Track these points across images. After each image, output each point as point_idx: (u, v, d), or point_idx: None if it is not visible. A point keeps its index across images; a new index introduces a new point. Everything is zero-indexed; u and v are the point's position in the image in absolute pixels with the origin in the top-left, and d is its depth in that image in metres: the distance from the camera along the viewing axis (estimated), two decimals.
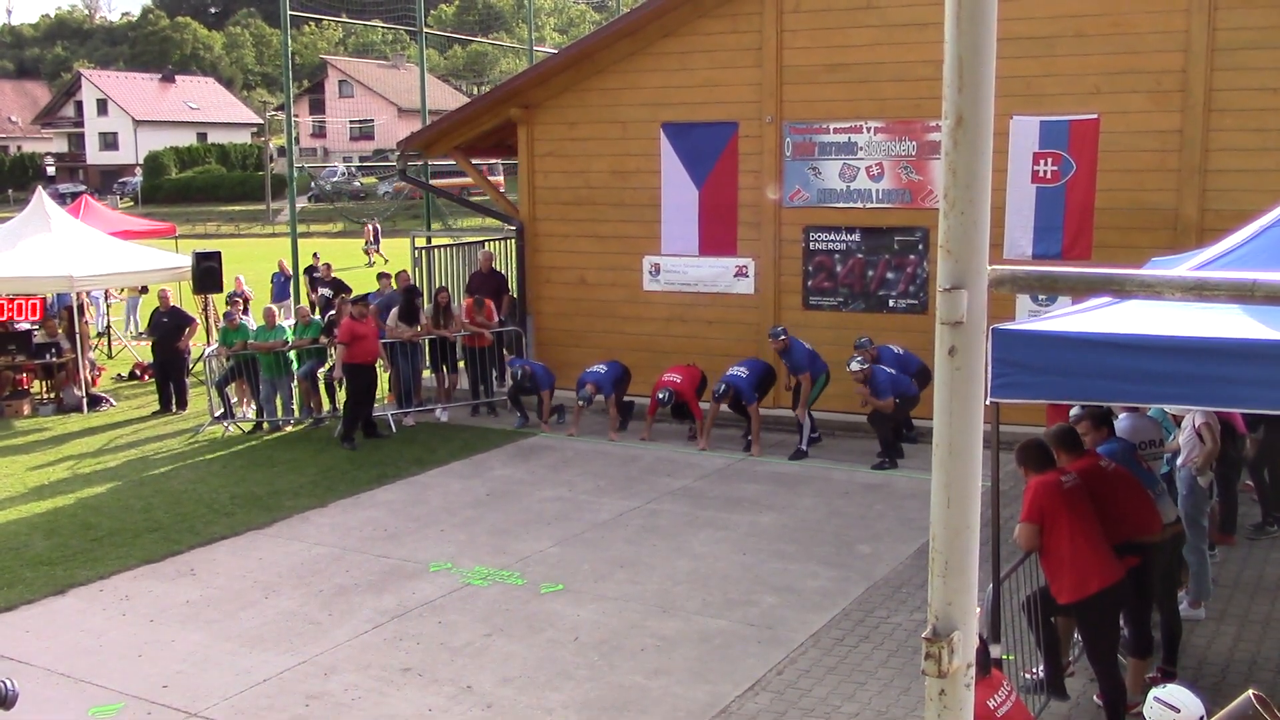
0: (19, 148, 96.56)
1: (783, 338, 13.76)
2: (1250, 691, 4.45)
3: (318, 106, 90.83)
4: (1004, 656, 6.97)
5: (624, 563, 10.24)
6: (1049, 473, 6.96)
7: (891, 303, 14.60)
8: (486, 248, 18.83)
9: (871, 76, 14.31)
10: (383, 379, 16.20)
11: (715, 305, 15.49)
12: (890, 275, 14.56)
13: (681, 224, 15.61)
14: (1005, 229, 13.23)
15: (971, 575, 2.02)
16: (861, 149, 14.53)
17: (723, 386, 13.84)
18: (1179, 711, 4.78)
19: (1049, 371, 5.89)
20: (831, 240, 14.86)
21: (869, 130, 14.48)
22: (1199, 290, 2.00)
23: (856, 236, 14.69)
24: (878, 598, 9.25)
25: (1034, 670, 7.39)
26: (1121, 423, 8.24)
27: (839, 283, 14.87)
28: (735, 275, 15.38)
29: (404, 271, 17.85)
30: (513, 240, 17.45)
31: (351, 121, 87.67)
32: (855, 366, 13.05)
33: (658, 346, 15.63)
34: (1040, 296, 12.50)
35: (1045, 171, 13.28)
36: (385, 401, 16.22)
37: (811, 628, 8.69)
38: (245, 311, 17.69)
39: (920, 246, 14.35)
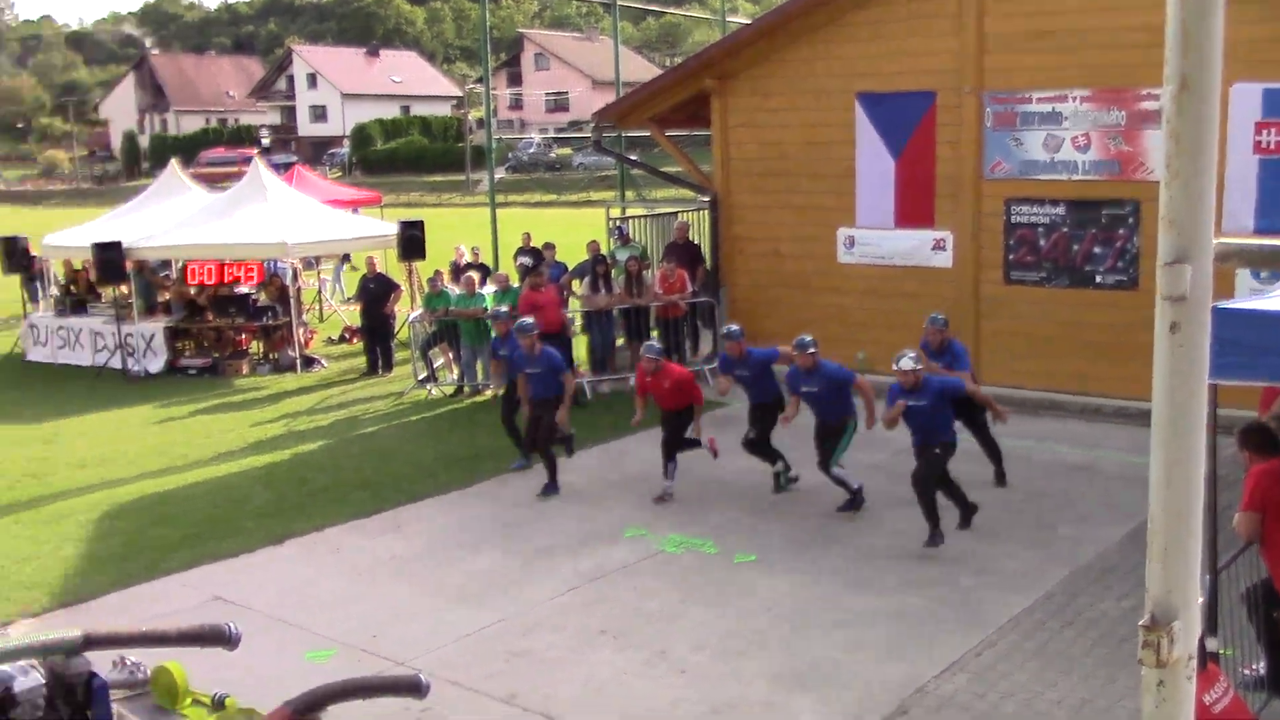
0: (236, 120, 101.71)
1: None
2: None
3: (515, 79, 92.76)
4: (1222, 651, 6.68)
5: (818, 536, 10.20)
6: (1273, 459, 6.63)
7: (1098, 278, 14.05)
8: (682, 218, 18.94)
9: (1079, 43, 13.76)
10: (580, 344, 16.49)
11: (911, 278, 15.20)
12: (1097, 250, 14.02)
13: (877, 196, 15.35)
14: (1224, 202, 12.56)
15: (1194, 561, 1.96)
16: (1067, 119, 13.99)
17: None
18: None
19: (1273, 352, 5.62)
20: (1034, 213, 14.39)
21: (1075, 99, 13.93)
22: None
23: (1061, 209, 14.18)
24: (1082, 582, 8.97)
25: (1254, 666, 7.06)
26: None
27: (1042, 257, 14.39)
28: (933, 248, 15.06)
29: (594, 241, 18.10)
30: (706, 211, 17.51)
31: (547, 94, 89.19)
32: (907, 365, 9.78)
33: (852, 319, 15.45)
34: (1262, 273, 11.85)
35: (1268, 142, 12.51)
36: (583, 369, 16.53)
37: (1011, 610, 8.49)
38: (485, 281, 18.09)
39: (1130, 220, 13.77)
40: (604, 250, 17.92)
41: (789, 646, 8.08)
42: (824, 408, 10.69)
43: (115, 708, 6.41)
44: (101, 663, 6.54)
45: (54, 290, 22.40)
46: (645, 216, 20.16)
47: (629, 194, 24.35)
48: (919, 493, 9.76)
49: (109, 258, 18.14)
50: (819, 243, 15.86)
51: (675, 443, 11.44)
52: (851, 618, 8.50)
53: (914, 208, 15.11)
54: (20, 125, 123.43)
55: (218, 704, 7.18)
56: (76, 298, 20.98)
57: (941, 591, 8.92)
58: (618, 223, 19.25)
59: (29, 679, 5.88)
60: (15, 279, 22.42)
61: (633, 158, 22.68)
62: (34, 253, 21.96)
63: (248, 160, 70.70)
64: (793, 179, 16.05)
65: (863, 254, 15.59)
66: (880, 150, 15.20)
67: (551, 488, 11.59)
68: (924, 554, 9.61)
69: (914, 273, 15.19)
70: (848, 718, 7.07)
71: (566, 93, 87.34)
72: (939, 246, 15.02)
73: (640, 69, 64.60)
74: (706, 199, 17.18)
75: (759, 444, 11.35)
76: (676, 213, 19.87)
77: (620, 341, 16.99)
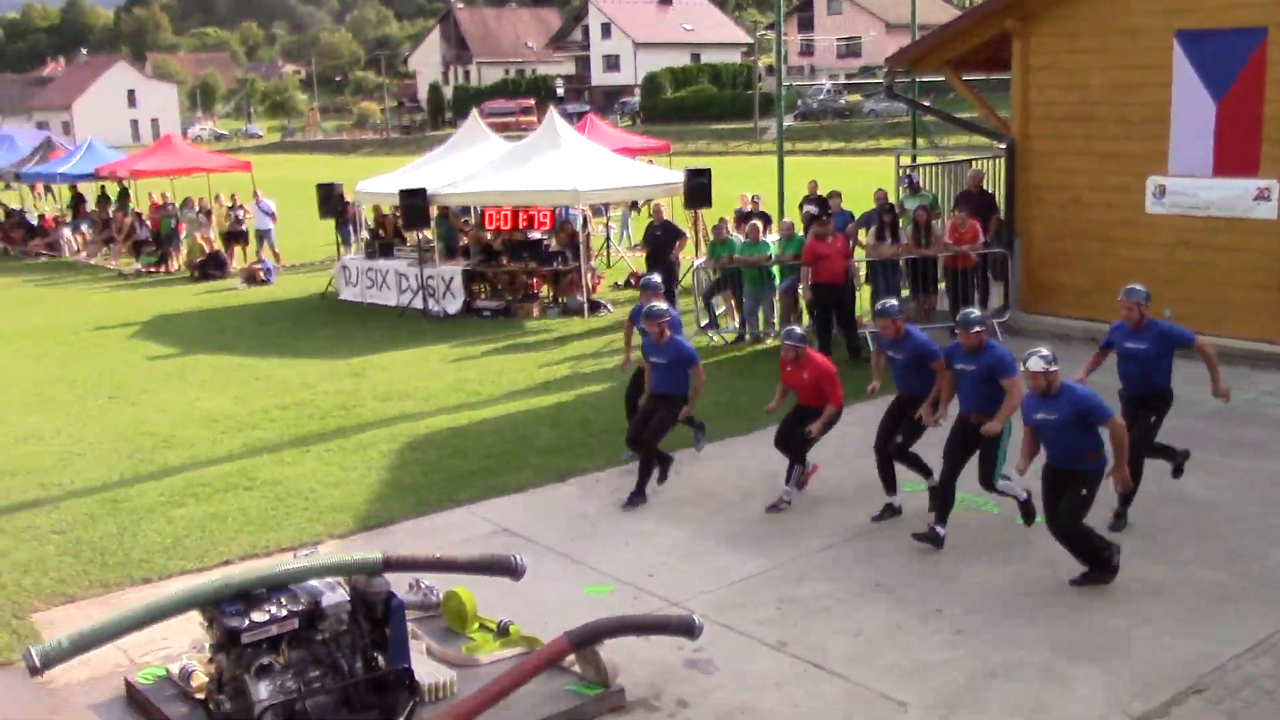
0: (534, 70, 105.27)
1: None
2: None
3: (806, 25, 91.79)
4: None
5: (1106, 502, 9.68)
6: None
7: None
8: (976, 166, 18.27)
9: None
10: (862, 297, 16.23)
11: (1229, 231, 14.12)
12: None
13: (1194, 142, 14.33)
14: None
15: None
16: None
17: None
18: None
19: None
20: None
21: None
22: None
23: None
24: None
25: None
26: None
27: None
28: (1255, 199, 13.93)
29: (881, 189, 17.72)
30: (1001, 159, 16.81)
31: (839, 39, 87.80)
32: (1037, 365, 8.05)
33: (1158, 273, 14.44)
34: None
35: None
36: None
37: None
38: (767, 229, 18.15)
39: None
40: (892, 199, 17.52)
41: (1072, 613, 7.75)
42: (977, 394, 8.98)
43: (410, 626, 6.87)
44: (398, 584, 7.01)
45: (364, 234, 23.91)
46: (936, 164, 19.59)
47: (920, 141, 23.70)
48: (1065, 538, 8.10)
49: (414, 204, 19.16)
50: (1124, 192, 14.97)
51: (794, 439, 10.01)
52: (1141, 588, 8.06)
53: (1236, 154, 14.05)
54: (338, 79, 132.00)
55: (502, 630, 7.60)
56: (384, 241, 22.29)
57: (1245, 566, 8.32)
58: (907, 171, 18.78)
59: (335, 595, 6.41)
60: (330, 223, 24.08)
61: (925, 103, 22.00)
62: (347, 199, 23.49)
63: (525, 110, 75.81)
64: (1098, 124, 15.18)
65: (1174, 204, 14.61)
66: (1200, 92, 14.19)
67: (638, 497, 10.24)
68: (1225, 526, 8.97)
69: (1232, 225, 14.12)
70: (1134, 692, 6.72)
71: (859, 38, 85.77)
72: (1263, 196, 13.89)
73: (936, 10, 62.53)
74: (1002, 146, 16.49)
75: (907, 453, 9.70)
76: (970, 160, 19.21)
77: (905, 293, 16.61)
